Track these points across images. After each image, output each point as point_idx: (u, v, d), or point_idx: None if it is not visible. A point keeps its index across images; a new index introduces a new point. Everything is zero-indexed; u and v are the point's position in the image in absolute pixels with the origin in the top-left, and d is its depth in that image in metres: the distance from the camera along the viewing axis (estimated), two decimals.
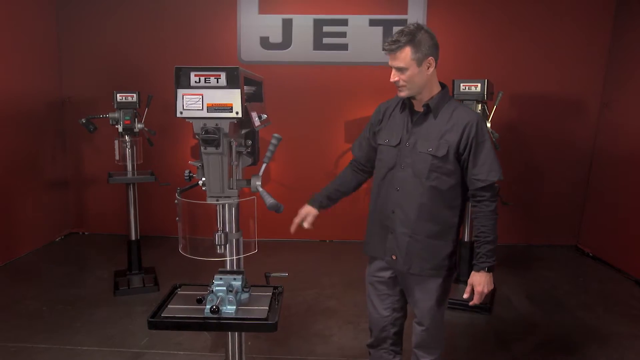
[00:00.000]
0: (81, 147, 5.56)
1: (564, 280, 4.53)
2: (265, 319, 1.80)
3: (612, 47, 5.12)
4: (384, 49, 2.08)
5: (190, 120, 1.73)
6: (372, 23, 5.29)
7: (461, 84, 3.74)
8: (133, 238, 4.24)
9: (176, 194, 1.86)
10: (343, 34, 5.30)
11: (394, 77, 2.08)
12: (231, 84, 1.68)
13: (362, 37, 5.31)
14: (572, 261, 5.12)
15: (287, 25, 5.33)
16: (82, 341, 3.27)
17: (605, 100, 5.18)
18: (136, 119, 4.01)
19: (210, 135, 1.70)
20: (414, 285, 2.27)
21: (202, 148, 1.75)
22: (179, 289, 2.07)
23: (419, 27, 2.05)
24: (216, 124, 1.72)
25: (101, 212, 5.67)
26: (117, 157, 4.07)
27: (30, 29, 5.03)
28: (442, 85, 2.17)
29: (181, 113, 1.70)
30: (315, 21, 5.32)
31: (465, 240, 4.13)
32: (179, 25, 5.34)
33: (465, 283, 4.04)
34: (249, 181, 1.90)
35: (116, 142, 4.07)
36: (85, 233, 5.75)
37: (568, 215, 5.51)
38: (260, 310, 1.86)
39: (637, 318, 3.73)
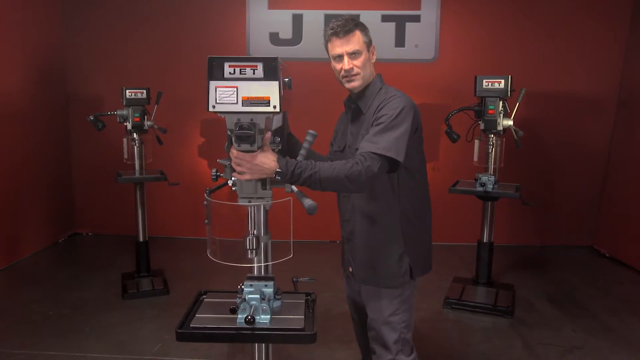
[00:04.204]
0: (86, 146, 5.41)
1: (583, 282, 4.41)
2: (303, 329, 1.67)
3: (629, 44, 5.00)
4: (334, 34, 1.94)
5: (223, 115, 1.59)
6: (385, 19, 5.16)
7: (484, 81, 3.62)
8: (141, 239, 4.12)
9: (205, 195, 1.73)
10: None
11: (349, 64, 1.93)
12: (269, 75, 1.55)
13: (374, 34, 5.07)
14: (589, 262, 5.00)
15: (297, 20, 5.20)
16: (91, 347, 3.14)
17: (622, 98, 5.07)
18: (145, 117, 3.88)
19: (245, 132, 1.57)
20: (366, 296, 2.13)
21: (235, 145, 1.62)
22: (204, 296, 1.94)
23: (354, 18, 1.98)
24: (251, 119, 1.59)
25: (106, 212, 5.53)
26: (125, 156, 3.94)
27: (35, 26, 4.88)
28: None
29: (214, 107, 1.57)
30: (327, 17, 5.19)
31: (485, 241, 4.02)
32: (187, 21, 5.21)
33: (484, 285, 4.00)
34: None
35: (125, 140, 3.93)
36: (89, 234, 5.60)
37: (584, 215, 5.39)
38: (296, 319, 1.73)
39: None
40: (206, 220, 1.77)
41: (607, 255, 5.09)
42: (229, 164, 1.76)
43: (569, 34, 5.07)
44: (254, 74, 1.56)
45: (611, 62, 5.08)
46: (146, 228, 4.12)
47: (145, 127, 3.87)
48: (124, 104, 3.81)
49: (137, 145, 3.92)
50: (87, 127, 4.09)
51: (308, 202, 1.66)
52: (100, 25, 5.24)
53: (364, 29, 1.97)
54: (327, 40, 2.00)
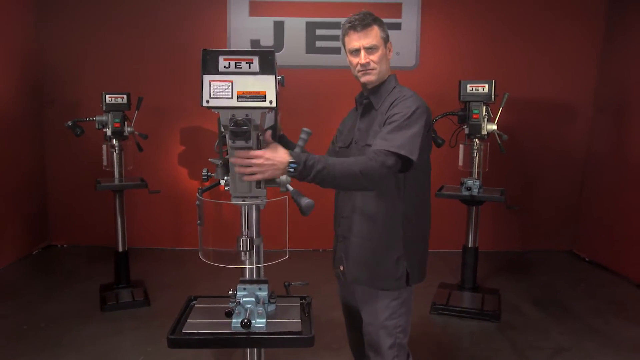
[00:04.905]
0: (61, 154, 5.25)
1: (566, 285, 4.45)
2: (300, 333, 1.61)
3: (604, 52, 5.13)
4: (351, 28, 1.90)
5: (217, 111, 1.54)
6: None
7: (468, 85, 3.65)
8: (120, 249, 3.99)
9: (197, 194, 1.67)
10: (336, 37, 5.16)
11: (365, 58, 1.90)
12: (265, 69, 1.51)
13: None
14: (571, 266, 5.06)
15: (278, 28, 5.18)
16: None
17: (599, 105, 5.18)
18: (125, 122, 3.78)
19: (240, 127, 1.51)
20: (361, 299, 2.06)
21: (229, 141, 1.56)
22: (194, 302, 1.87)
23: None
24: (246, 115, 1.53)
25: (82, 223, 5.35)
26: (104, 163, 3.82)
27: (8, 30, 4.74)
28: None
29: (207, 102, 1.51)
30: (308, 24, 5.18)
31: (470, 246, 4.02)
32: (167, 27, 5.13)
33: (470, 290, 4.00)
34: (276, 180, 1.71)
35: (104, 146, 3.82)
36: (65, 245, 5.41)
37: (563, 220, 5.46)
38: (292, 323, 1.67)
39: None
40: (198, 221, 1.70)
41: (587, 259, 5.16)
42: (220, 163, 1.71)
43: (546, 42, 5.16)
44: (249, 68, 1.51)
45: (587, 68, 5.19)
46: (125, 237, 4.00)
47: (126, 133, 3.77)
48: (104, 109, 3.71)
49: (116, 151, 3.82)
50: (63, 134, 3.97)
51: (305, 200, 1.61)
52: (76, 30, 5.12)
53: (381, 24, 1.94)
54: (344, 34, 1.96)
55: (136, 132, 3.81)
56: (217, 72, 1.51)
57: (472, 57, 5.16)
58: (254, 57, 1.50)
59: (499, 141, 3.71)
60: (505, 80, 5.06)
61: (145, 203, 4.99)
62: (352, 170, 1.69)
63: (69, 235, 5.42)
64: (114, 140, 3.79)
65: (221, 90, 1.51)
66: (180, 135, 5.25)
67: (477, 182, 3.69)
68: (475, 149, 3.79)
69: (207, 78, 1.51)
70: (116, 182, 3.83)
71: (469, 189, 3.64)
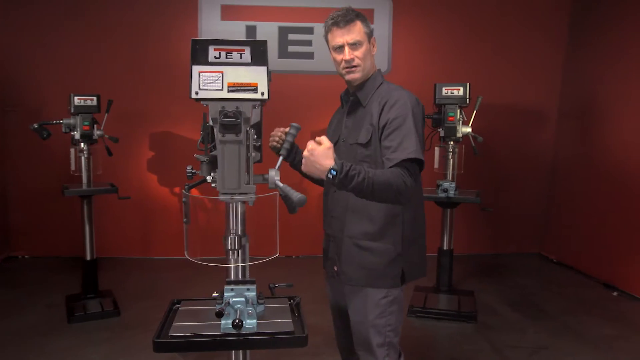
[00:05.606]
0: (23, 160, 5.00)
1: (538, 286, 4.55)
2: (293, 333, 1.56)
3: (567, 58, 5.30)
4: (334, 24, 1.88)
5: (207, 103, 1.48)
6: None
7: (443, 88, 3.69)
8: (88, 258, 3.83)
9: (184, 191, 1.60)
10: (309, 42, 5.16)
11: (349, 54, 1.87)
12: (257, 60, 1.47)
13: (326, 46, 5.18)
14: (540, 267, 5.18)
15: (250, 32, 5.13)
16: None
17: (563, 110, 5.34)
18: (95, 126, 3.64)
19: (231, 120, 1.46)
20: (350, 297, 2.00)
21: (219, 135, 1.51)
22: (178, 305, 1.79)
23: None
24: (236, 107, 1.48)
25: (44, 233, 5.11)
26: (72, 168, 3.67)
27: None
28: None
29: (196, 94, 1.46)
30: (280, 29, 5.16)
31: (445, 248, 4.05)
32: (136, 31, 5.00)
33: (445, 292, 4.02)
34: (264, 177, 1.67)
35: (72, 150, 3.66)
36: (26, 257, 5.16)
37: (531, 223, 5.59)
38: (283, 323, 1.62)
39: (617, 319, 3.77)
40: (185, 219, 1.63)
41: (554, 260, 5.28)
42: (206, 160, 1.65)
43: (513, 49, 5.30)
44: (240, 58, 1.47)
45: (552, 74, 5.36)
46: (94, 245, 3.84)
47: (95, 137, 3.63)
48: (72, 111, 3.56)
49: (85, 156, 3.67)
50: (28, 138, 3.78)
51: (297, 195, 1.57)
52: (38, 33, 4.92)
53: (364, 19, 1.91)
54: (327, 30, 1.93)
55: (106, 136, 3.68)
56: (207, 63, 1.46)
57: (442, 63, 5.23)
58: (245, 47, 1.46)
59: (473, 144, 3.76)
60: (475, 86, 5.16)
61: (113, 210, 4.81)
62: (390, 183, 1.68)
63: (30, 245, 5.16)
64: (83, 144, 3.65)
65: (211, 82, 1.46)
66: (150, 140, 5.11)
67: (453, 184, 3.72)
68: (450, 152, 3.83)
69: (196, 69, 1.45)
70: (85, 187, 3.68)
71: (445, 190, 3.67)
